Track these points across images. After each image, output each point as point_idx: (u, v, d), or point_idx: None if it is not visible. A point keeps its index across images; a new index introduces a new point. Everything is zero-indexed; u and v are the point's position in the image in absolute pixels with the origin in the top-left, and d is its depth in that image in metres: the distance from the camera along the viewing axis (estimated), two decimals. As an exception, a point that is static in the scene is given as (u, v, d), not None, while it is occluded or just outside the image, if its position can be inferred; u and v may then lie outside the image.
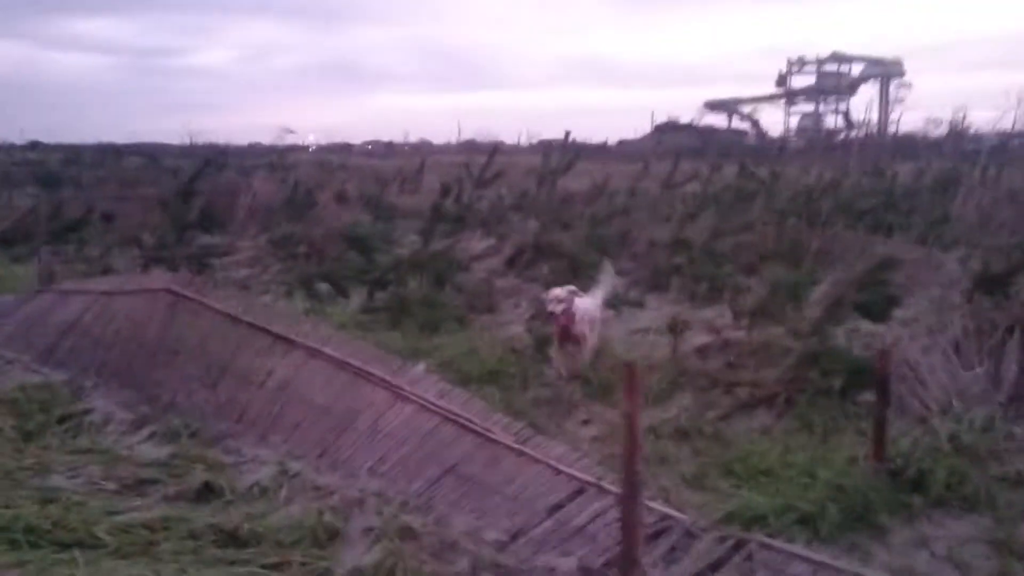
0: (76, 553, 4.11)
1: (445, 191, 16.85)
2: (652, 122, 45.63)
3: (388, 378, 5.90)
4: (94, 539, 4.27)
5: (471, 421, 5.42)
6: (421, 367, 6.20)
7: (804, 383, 6.67)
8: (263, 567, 4.19)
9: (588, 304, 7.72)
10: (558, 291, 7.46)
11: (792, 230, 12.11)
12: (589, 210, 16.07)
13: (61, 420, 6.46)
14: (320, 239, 12.71)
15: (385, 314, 10.03)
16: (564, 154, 21.11)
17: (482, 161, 21.29)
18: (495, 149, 22.82)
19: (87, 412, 6.66)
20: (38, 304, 8.96)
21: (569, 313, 7.29)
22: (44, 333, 8.34)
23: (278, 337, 6.48)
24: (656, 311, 10.47)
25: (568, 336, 7.39)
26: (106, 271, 11.79)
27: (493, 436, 5.28)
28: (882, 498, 4.96)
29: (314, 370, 6.18)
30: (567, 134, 21.43)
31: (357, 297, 10.89)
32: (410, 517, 4.77)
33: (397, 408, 5.70)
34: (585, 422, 6.69)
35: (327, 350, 6.23)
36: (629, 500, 3.87)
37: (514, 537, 4.59)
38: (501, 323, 10.02)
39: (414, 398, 5.70)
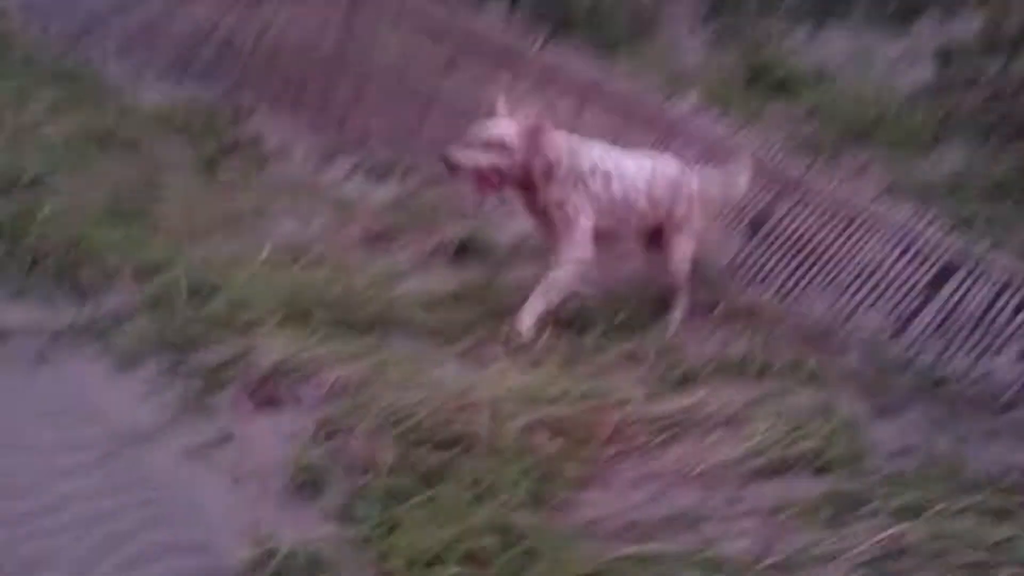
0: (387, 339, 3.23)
1: None
2: None
3: (660, 111, 4.78)
4: (399, 319, 3.37)
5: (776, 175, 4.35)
6: (692, 96, 5.01)
7: None
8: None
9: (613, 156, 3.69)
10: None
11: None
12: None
13: (233, 147, 5.47)
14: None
15: (541, 26, 8.61)
16: None
17: None
18: None
19: (259, 138, 5.64)
20: (154, 4, 7.60)
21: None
22: (169, 40, 7.08)
23: (505, 57, 5.26)
24: (843, 41, 8.97)
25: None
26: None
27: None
28: None
29: (553, 98, 5.03)
30: None
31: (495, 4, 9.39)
32: (745, 292, 3.87)
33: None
34: (861, 169, 5.54)
35: (570, 75, 5.05)
36: None
37: (900, 325, 3.66)
38: (669, 51, 8.58)
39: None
